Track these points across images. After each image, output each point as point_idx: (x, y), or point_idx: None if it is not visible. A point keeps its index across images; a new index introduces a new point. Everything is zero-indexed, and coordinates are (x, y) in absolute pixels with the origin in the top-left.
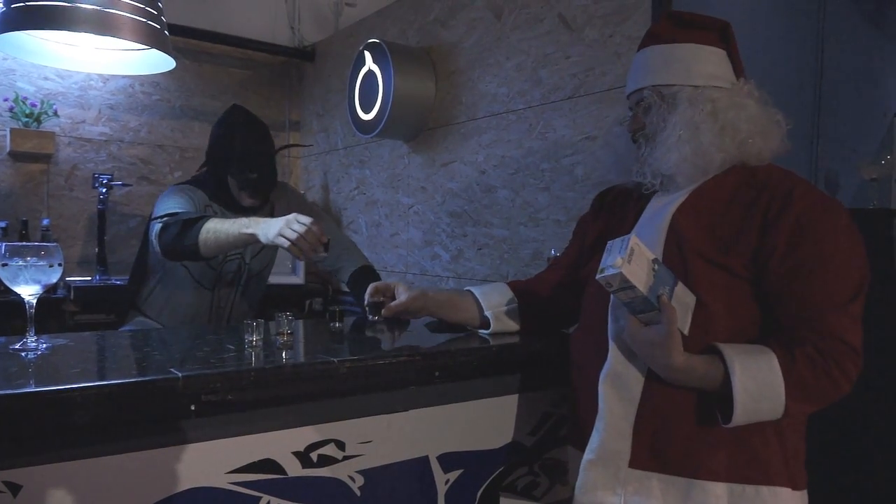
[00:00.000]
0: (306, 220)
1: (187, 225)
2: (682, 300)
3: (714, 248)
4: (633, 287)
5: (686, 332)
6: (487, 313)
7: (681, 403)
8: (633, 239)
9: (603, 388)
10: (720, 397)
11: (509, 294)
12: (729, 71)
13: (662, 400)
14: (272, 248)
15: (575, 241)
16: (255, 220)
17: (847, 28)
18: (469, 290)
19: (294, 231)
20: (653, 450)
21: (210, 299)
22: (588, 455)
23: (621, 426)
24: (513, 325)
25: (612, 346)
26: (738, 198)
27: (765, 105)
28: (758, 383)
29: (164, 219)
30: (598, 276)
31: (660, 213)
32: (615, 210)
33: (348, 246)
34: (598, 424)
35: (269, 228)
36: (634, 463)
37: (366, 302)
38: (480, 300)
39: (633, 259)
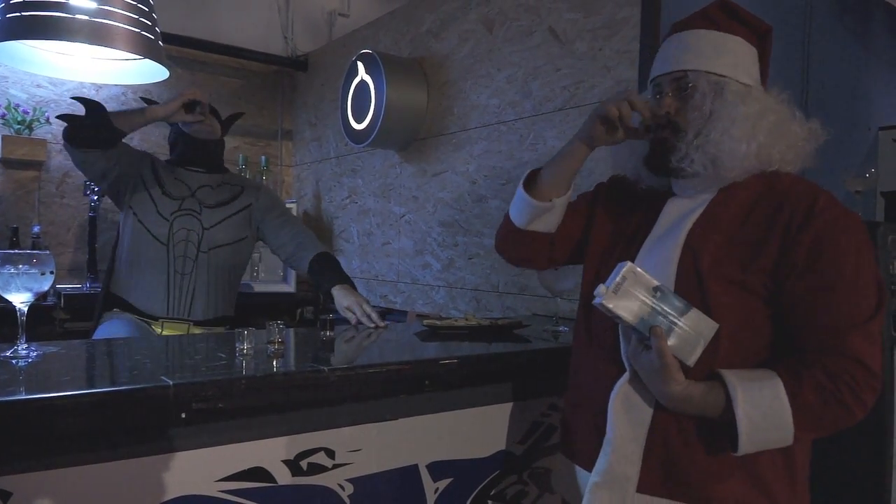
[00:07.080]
0: (194, 93)
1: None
2: (694, 329)
3: (732, 264)
4: (619, 317)
5: (691, 363)
6: (560, 200)
7: (693, 429)
8: (626, 267)
9: (613, 409)
10: (728, 425)
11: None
12: (758, 75)
13: (674, 424)
14: (244, 238)
15: (582, 205)
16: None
17: (832, 43)
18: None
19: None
20: (662, 475)
21: (167, 260)
22: (594, 478)
23: (630, 449)
24: (553, 222)
25: (627, 366)
26: (758, 207)
27: (793, 114)
28: (763, 412)
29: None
30: (593, 302)
31: (676, 227)
32: (624, 208)
33: (305, 234)
34: (606, 447)
35: (166, 104)
36: (643, 487)
37: None
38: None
39: (621, 289)
